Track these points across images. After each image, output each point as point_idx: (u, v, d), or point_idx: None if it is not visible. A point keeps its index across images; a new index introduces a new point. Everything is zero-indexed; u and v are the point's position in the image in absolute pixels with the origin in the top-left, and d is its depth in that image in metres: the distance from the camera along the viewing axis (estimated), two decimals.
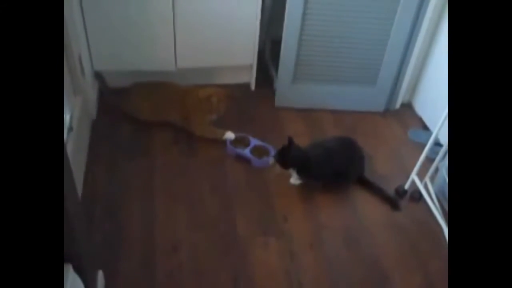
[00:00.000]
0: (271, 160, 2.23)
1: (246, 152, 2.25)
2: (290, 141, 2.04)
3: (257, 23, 2.44)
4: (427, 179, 2.06)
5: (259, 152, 2.28)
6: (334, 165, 2.07)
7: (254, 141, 2.31)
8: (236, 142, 2.31)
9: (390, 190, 2.13)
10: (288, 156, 2.03)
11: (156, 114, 2.36)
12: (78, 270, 1.26)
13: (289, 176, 2.13)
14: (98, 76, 2.48)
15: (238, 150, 2.27)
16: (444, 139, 2.14)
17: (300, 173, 2.07)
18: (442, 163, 2.02)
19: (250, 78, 2.71)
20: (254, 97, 2.68)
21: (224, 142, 2.30)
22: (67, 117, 1.94)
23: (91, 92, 2.36)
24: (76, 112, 2.05)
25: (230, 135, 2.30)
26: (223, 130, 2.31)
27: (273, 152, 2.26)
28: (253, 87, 2.73)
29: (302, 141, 2.11)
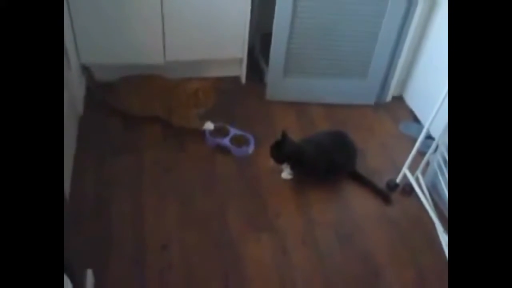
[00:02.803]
0: (251, 149, 2.21)
1: (225, 141, 2.23)
2: (284, 135, 2.02)
3: (247, 16, 2.41)
4: (418, 172, 2.05)
5: (239, 141, 2.26)
6: (328, 159, 2.06)
7: (234, 131, 2.29)
8: (215, 132, 2.29)
9: (382, 183, 2.12)
10: (282, 151, 2.01)
11: (143, 108, 2.32)
12: (66, 270, 1.24)
13: (281, 171, 2.11)
14: (85, 70, 2.43)
15: (217, 139, 2.25)
16: (435, 133, 2.14)
17: (294, 167, 2.05)
18: (433, 156, 2.01)
19: (241, 71, 2.68)
20: (245, 91, 2.66)
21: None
22: None
23: (78, 87, 2.31)
24: None
25: (209, 125, 2.28)
26: (202, 121, 2.29)
27: (252, 140, 2.25)
28: (243, 80, 2.70)
29: (293, 134, 2.09)
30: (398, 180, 2.10)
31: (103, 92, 2.40)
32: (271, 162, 2.04)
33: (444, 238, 1.83)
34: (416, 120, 2.56)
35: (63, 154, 1.00)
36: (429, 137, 2.10)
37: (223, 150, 2.23)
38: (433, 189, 2.06)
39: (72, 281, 1.26)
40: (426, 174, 2.08)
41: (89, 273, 1.56)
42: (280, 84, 2.53)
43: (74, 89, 2.21)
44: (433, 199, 2.01)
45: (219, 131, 2.29)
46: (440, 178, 1.91)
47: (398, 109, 2.65)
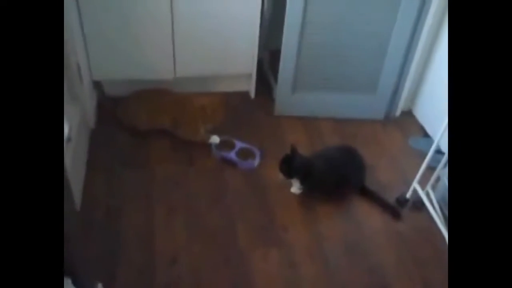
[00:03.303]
0: (256, 162, 2.21)
1: (232, 155, 2.24)
2: (294, 150, 2.02)
3: (257, 31, 2.43)
4: (428, 187, 2.04)
5: (245, 154, 2.27)
6: (337, 174, 2.06)
7: (240, 144, 2.30)
8: (222, 145, 2.30)
9: (391, 199, 2.11)
10: (291, 165, 2.02)
11: (151, 122, 2.34)
12: (77, 284, 1.24)
13: (290, 186, 2.11)
14: (96, 85, 2.47)
15: (224, 153, 2.26)
16: (445, 147, 2.13)
17: (303, 182, 2.05)
18: (443, 171, 2.00)
19: (250, 86, 2.70)
20: (254, 106, 2.67)
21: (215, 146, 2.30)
22: (65, 128, 1.93)
23: (90, 102, 2.35)
24: (74, 122, 2.04)
25: (215, 139, 2.30)
26: (208, 134, 2.30)
27: (258, 154, 2.26)
28: (252, 95, 2.72)
29: (302, 149, 2.09)
30: (408, 195, 2.09)
31: (113, 107, 2.43)
32: (280, 177, 2.05)
33: None
34: (425, 134, 2.55)
35: (63, 161, 0.99)
36: (439, 152, 2.09)
37: (229, 163, 2.24)
38: (443, 204, 2.04)
39: None
40: (436, 189, 2.06)
41: (99, 287, 1.56)
42: (289, 100, 2.54)
43: (85, 104, 2.25)
44: (443, 214, 1.99)
45: (226, 145, 2.31)
46: None
47: (408, 123, 2.64)
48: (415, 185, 2.05)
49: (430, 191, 2.04)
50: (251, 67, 2.58)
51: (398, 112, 2.68)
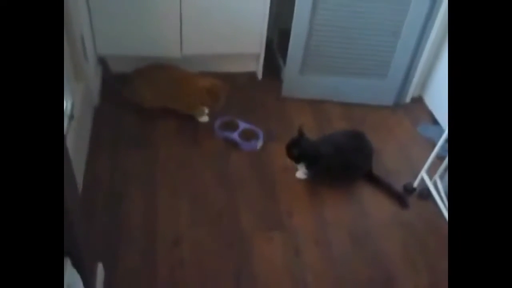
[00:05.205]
0: (259, 143, 2.18)
1: (234, 135, 2.21)
2: (301, 133, 1.99)
3: (266, 11, 2.37)
4: (436, 177, 2.00)
5: (248, 135, 2.24)
6: (344, 159, 2.02)
7: (243, 125, 2.27)
8: (225, 125, 2.27)
9: (398, 186, 2.07)
10: (298, 149, 1.98)
11: (157, 100, 2.30)
12: (77, 264, 1.23)
13: (296, 170, 2.08)
14: (101, 61, 2.42)
15: (226, 133, 2.23)
16: None
17: (309, 167, 2.02)
18: None
19: (257, 67, 2.65)
20: (261, 87, 2.63)
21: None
22: (68, 105, 1.89)
23: (94, 78, 2.31)
24: (78, 99, 2.00)
25: (204, 118, 2.31)
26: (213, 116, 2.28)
27: (261, 135, 2.23)
28: (260, 76, 2.67)
29: (309, 132, 2.05)
30: (415, 183, 2.06)
31: (118, 84, 2.39)
32: (288, 161, 2.01)
33: None
34: (435, 122, 2.50)
35: (63, 149, 0.97)
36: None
37: (232, 144, 2.21)
38: None
39: (82, 275, 1.25)
40: (444, 178, 2.03)
41: (100, 267, 1.55)
42: (297, 81, 2.49)
43: (90, 80, 2.20)
44: None
45: (229, 125, 2.28)
46: None
47: (417, 110, 2.59)
48: (423, 174, 2.01)
49: (438, 181, 2.00)
50: (260, 47, 2.53)
51: (408, 99, 2.62)
